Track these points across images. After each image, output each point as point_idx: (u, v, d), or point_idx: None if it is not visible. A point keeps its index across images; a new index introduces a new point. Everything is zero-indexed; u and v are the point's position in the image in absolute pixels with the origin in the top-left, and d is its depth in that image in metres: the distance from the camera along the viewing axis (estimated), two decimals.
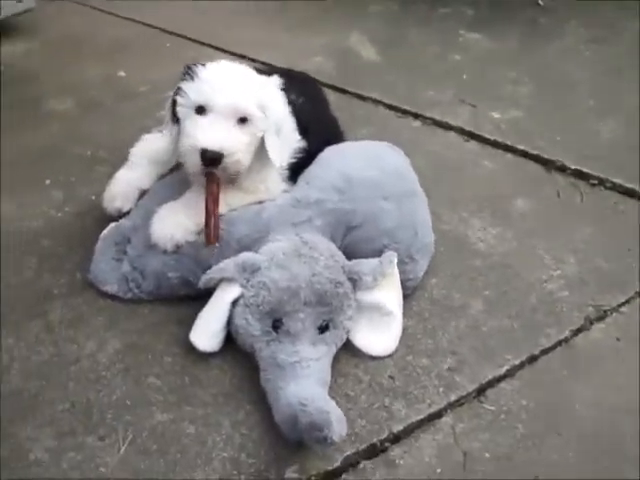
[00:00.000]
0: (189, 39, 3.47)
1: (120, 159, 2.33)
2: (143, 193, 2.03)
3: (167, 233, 1.82)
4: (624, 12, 3.91)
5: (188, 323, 1.78)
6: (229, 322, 1.73)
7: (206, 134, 1.73)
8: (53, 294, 1.89)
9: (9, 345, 1.73)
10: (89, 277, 1.91)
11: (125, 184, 2.03)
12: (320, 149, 2.07)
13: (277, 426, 1.54)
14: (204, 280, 1.76)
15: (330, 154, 2.07)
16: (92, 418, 1.59)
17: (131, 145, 2.34)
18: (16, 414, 1.58)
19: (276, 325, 1.66)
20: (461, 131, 2.82)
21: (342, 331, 1.73)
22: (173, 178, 2.03)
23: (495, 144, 2.75)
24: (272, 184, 1.94)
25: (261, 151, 1.85)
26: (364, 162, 2.04)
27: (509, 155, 2.71)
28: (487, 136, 2.78)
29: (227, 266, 1.72)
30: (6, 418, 1.56)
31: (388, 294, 1.81)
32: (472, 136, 2.80)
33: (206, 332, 1.73)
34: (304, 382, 1.56)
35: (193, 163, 1.76)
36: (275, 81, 1.89)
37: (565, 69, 3.33)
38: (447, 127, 2.83)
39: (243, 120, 1.77)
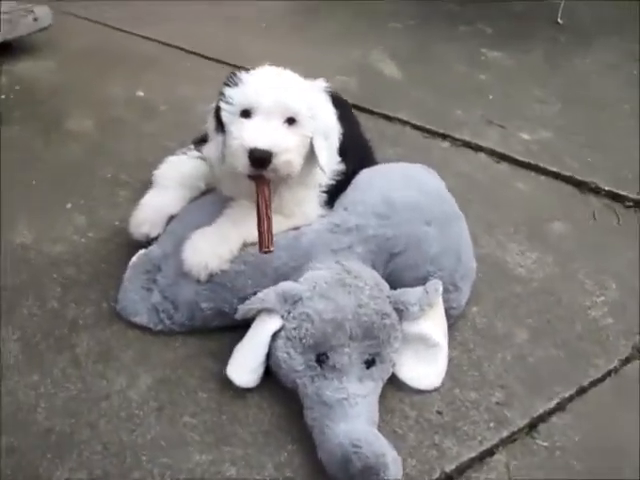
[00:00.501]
0: (209, 58, 3.40)
1: (142, 182, 2.27)
2: (171, 218, 1.93)
3: (200, 261, 1.72)
4: None
5: (223, 356, 1.69)
6: (268, 356, 1.63)
7: (254, 134, 1.66)
8: (79, 325, 1.79)
9: (34, 382, 1.63)
10: (117, 307, 1.81)
11: (153, 209, 1.93)
12: (356, 172, 1.98)
13: (324, 467, 1.45)
14: (242, 311, 1.66)
15: (367, 177, 1.99)
16: (126, 460, 1.48)
17: (153, 167, 2.25)
18: (46, 456, 1.47)
19: (321, 359, 1.57)
20: (491, 152, 2.77)
21: (389, 365, 1.64)
22: (204, 202, 1.94)
23: (527, 166, 2.71)
24: (309, 208, 1.85)
25: (307, 167, 1.79)
26: (403, 185, 1.97)
27: (542, 177, 2.67)
28: (518, 157, 2.74)
29: (267, 296, 1.62)
30: (35, 460, 1.46)
31: (434, 324, 1.72)
32: (503, 157, 2.75)
33: (244, 366, 1.63)
34: (354, 421, 1.47)
35: (242, 165, 1.67)
36: (322, 84, 1.83)
37: (592, 88, 3.28)
38: (477, 148, 2.77)
39: (291, 120, 1.70)
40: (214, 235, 1.76)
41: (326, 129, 1.77)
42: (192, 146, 2.19)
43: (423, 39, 3.69)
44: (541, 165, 2.68)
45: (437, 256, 1.83)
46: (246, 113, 1.70)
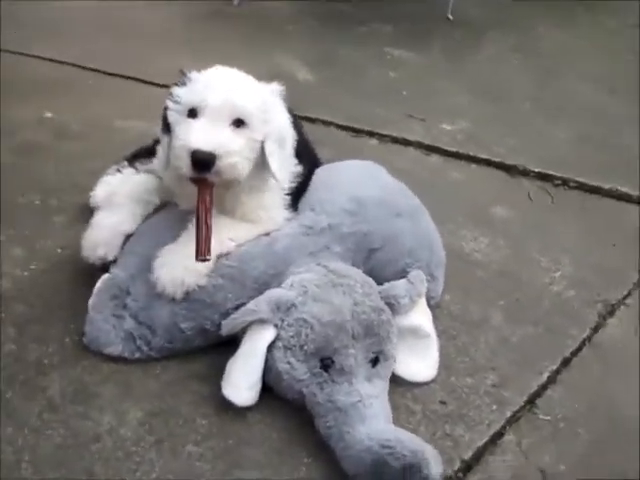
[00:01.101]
0: (109, 74, 3.22)
1: (77, 205, 2.12)
2: (127, 238, 1.79)
3: (175, 278, 1.61)
4: (535, 20, 4.08)
5: (210, 378, 1.60)
6: (264, 370, 1.53)
7: (197, 135, 1.56)
8: (45, 366, 1.62)
9: (9, 435, 1.44)
10: (85, 340, 1.65)
11: (107, 229, 1.78)
12: (311, 173, 1.93)
13: (350, 477, 1.38)
14: (228, 326, 1.57)
15: (325, 177, 1.95)
16: None
17: (84, 190, 2.10)
18: None
19: (326, 364, 1.50)
20: (419, 145, 2.81)
21: (391, 361, 1.60)
22: (161, 217, 1.81)
23: (457, 155, 2.79)
24: (275, 212, 1.78)
25: (261, 172, 1.71)
26: (363, 182, 1.96)
27: (473, 165, 2.75)
28: (447, 148, 2.78)
29: (259, 306, 1.53)
30: None
31: (422, 316, 1.71)
32: (432, 149, 2.80)
33: (241, 384, 1.53)
34: (374, 422, 1.42)
35: (185, 167, 1.58)
36: (276, 88, 1.75)
37: (496, 78, 3.42)
38: (405, 143, 2.82)
39: (239, 122, 1.62)
40: (184, 250, 1.64)
41: (279, 134, 1.70)
42: (125, 163, 2.05)
43: (326, 41, 3.71)
44: (471, 154, 2.76)
45: (413, 248, 1.83)
46: (193, 113, 1.61)
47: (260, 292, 1.62)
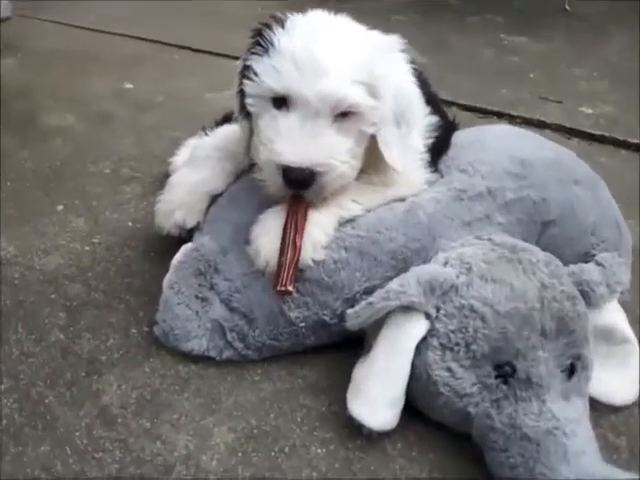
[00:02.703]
0: (196, 50, 2.92)
1: (153, 176, 1.71)
2: (213, 200, 1.34)
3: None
4: None
5: (328, 389, 1.16)
6: (410, 379, 1.05)
7: (289, 144, 1.11)
8: (101, 363, 1.19)
9: (46, 456, 1.01)
10: (156, 331, 1.21)
11: (188, 189, 1.35)
12: (448, 129, 1.44)
13: None
14: (357, 315, 1.10)
15: (471, 137, 1.47)
16: None
17: (162, 160, 1.69)
18: None
19: (504, 373, 1.03)
20: (559, 128, 2.30)
21: (590, 371, 1.10)
22: None
23: (603, 139, 2.26)
24: (413, 173, 1.29)
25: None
26: (526, 142, 1.47)
27: (622, 150, 2.20)
28: (592, 132, 2.26)
29: (406, 287, 1.05)
30: None
31: (617, 314, 1.21)
32: (573, 133, 2.29)
33: (378, 400, 1.07)
34: (583, 460, 0.96)
35: (274, 184, 1.15)
36: (396, 42, 1.23)
37: (629, 65, 2.92)
38: (541, 125, 2.32)
39: (345, 114, 1.13)
40: None
41: (399, 111, 1.20)
42: (214, 127, 1.61)
43: (435, 30, 3.27)
44: (620, 138, 2.23)
45: (597, 225, 1.35)
46: (280, 102, 1.14)
47: (398, 271, 1.17)
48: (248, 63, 1.17)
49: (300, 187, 1.13)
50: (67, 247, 1.47)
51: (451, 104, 2.42)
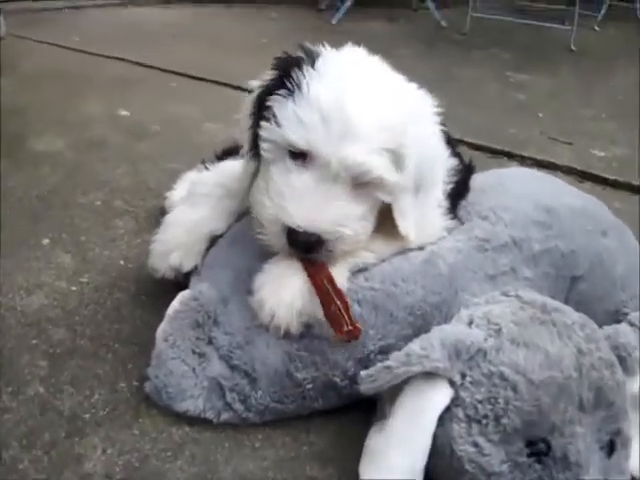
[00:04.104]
0: (194, 77, 2.84)
1: (147, 210, 1.60)
2: (213, 242, 1.24)
3: (289, 303, 1.04)
4: None
5: (337, 459, 1.04)
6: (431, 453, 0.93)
7: (301, 206, 1.01)
8: (84, 422, 1.06)
9: None
10: (147, 388, 1.09)
11: (185, 229, 1.24)
12: (467, 173, 1.35)
13: None
14: (373, 379, 0.99)
15: (491, 181, 1.38)
16: None
17: (158, 192, 1.60)
18: None
19: (536, 451, 0.92)
20: (570, 171, 2.22)
21: (629, 448, 0.99)
22: None
23: (616, 184, 2.17)
24: (432, 221, 1.19)
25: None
26: (550, 187, 1.38)
27: (637, 196, 2.11)
28: (605, 176, 2.18)
29: (430, 350, 0.94)
30: None
31: None
32: (585, 176, 2.21)
33: (394, 474, 0.92)
34: None
35: (276, 242, 1.05)
36: (430, 104, 1.13)
37: (637, 105, 2.85)
38: (552, 167, 2.23)
39: (364, 184, 1.04)
40: (299, 265, 1.07)
41: (424, 178, 1.10)
42: (214, 161, 1.51)
43: (440, 63, 3.20)
44: (634, 183, 2.15)
45: (626, 280, 1.25)
46: (299, 155, 1.04)
47: (416, 329, 1.08)
48: (269, 103, 1.05)
49: (305, 251, 1.03)
50: (52, 286, 1.36)
51: (459, 142, 2.34)
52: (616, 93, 3.10)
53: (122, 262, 1.45)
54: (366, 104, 1.02)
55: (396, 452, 0.95)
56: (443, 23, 4.19)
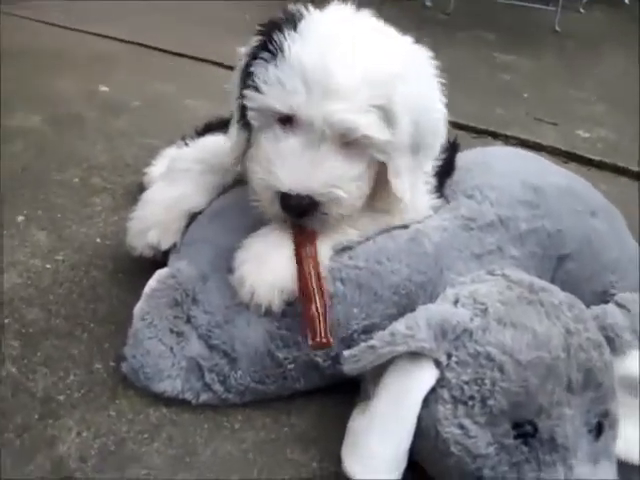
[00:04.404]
0: (176, 54, 2.77)
1: (125, 187, 1.55)
2: (192, 219, 1.20)
3: (270, 281, 1.00)
4: None
5: (318, 441, 1.03)
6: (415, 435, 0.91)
7: (289, 170, 0.98)
8: (58, 404, 1.02)
9: None
10: (124, 368, 1.05)
11: (163, 206, 1.20)
12: (453, 150, 1.32)
13: None
14: (356, 359, 0.96)
15: (477, 159, 1.35)
16: None
17: (137, 169, 1.55)
18: None
19: (524, 432, 0.90)
20: (555, 151, 2.20)
21: (617, 430, 0.97)
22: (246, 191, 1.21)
23: (602, 165, 2.15)
24: (419, 199, 1.16)
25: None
26: (536, 166, 1.36)
27: (623, 178, 2.10)
28: (590, 156, 2.16)
29: (415, 330, 0.92)
30: None
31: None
32: (570, 157, 2.19)
33: (377, 458, 0.92)
34: None
35: (271, 210, 1.02)
36: (425, 56, 1.09)
37: (625, 88, 2.85)
38: (537, 147, 2.20)
39: (355, 141, 1.00)
40: (281, 240, 1.03)
41: (423, 138, 1.06)
42: (195, 137, 1.46)
43: (424, 43, 3.14)
44: (619, 164, 2.14)
45: (616, 261, 1.24)
46: (286, 120, 1.01)
47: (401, 308, 1.06)
48: (252, 69, 1.02)
49: (300, 215, 1.01)
50: (26, 264, 1.31)
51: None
52: (601, 75, 3.09)
53: (99, 240, 1.41)
54: (349, 61, 0.98)
55: (379, 434, 0.93)
56: (428, 3, 4.14)
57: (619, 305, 1.12)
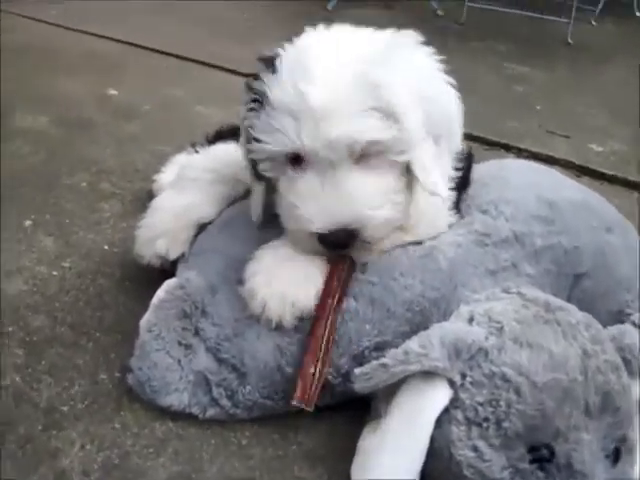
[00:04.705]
0: (187, 59, 2.75)
1: (134, 193, 1.55)
2: (202, 229, 1.19)
3: (282, 295, 0.98)
4: None
5: (327, 459, 1.00)
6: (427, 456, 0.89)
7: (314, 208, 0.96)
8: (62, 415, 1.01)
9: None
10: (129, 381, 1.03)
11: (172, 215, 1.19)
12: (469, 164, 1.29)
13: None
14: (368, 377, 0.94)
15: (492, 172, 1.33)
16: None
17: (146, 175, 1.54)
18: None
19: (539, 457, 0.87)
20: (568, 165, 2.18)
21: (636, 455, 0.94)
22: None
23: (615, 180, 2.13)
24: (437, 215, 1.14)
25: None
26: (552, 181, 1.33)
27: (636, 193, 2.08)
28: (603, 171, 2.14)
29: (428, 349, 0.90)
30: None
31: None
32: (583, 171, 2.16)
33: (389, 474, 0.90)
34: None
35: (313, 250, 1.01)
36: (408, 37, 1.06)
37: (635, 101, 2.81)
38: (550, 160, 2.18)
39: (366, 155, 0.97)
40: (293, 256, 1.02)
41: (437, 119, 1.02)
42: (205, 145, 1.45)
43: (435, 52, 3.13)
44: (631, 179, 2.11)
45: (630, 279, 1.20)
46: (296, 160, 0.99)
47: (414, 326, 1.03)
48: (247, 123, 1.01)
49: (342, 248, 0.99)
50: (32, 270, 1.30)
51: None
52: (613, 88, 3.06)
53: (106, 247, 1.39)
54: (327, 77, 0.95)
55: (391, 453, 0.90)
56: (439, 12, 4.13)
57: (635, 325, 1.10)
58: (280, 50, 1.02)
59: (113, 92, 2.26)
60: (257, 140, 0.99)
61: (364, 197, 0.97)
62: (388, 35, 1.05)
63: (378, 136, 0.96)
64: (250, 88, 1.03)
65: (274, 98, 0.97)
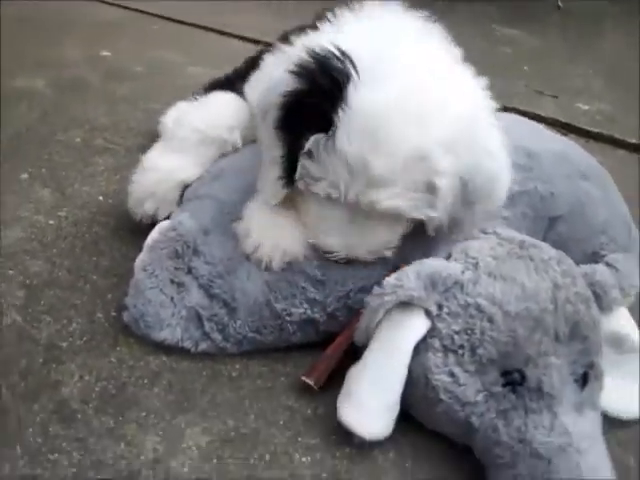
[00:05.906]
0: (180, 22, 2.78)
1: (126, 148, 1.59)
2: (185, 188, 1.25)
3: (274, 240, 1.03)
4: None
5: (314, 391, 1.02)
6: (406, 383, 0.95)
7: (337, 238, 1.03)
8: (60, 350, 1.05)
9: (2, 457, 0.87)
10: (125, 317, 1.08)
11: (160, 176, 1.24)
12: None
13: None
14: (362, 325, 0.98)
15: None
16: None
17: (138, 131, 1.57)
18: None
19: (512, 380, 0.93)
20: (555, 123, 2.22)
21: (601, 381, 1.00)
22: (248, 152, 1.24)
23: (599, 137, 2.18)
24: None
25: None
26: (530, 131, 1.37)
27: (620, 150, 2.12)
28: (588, 129, 2.18)
29: (404, 280, 0.94)
30: None
31: (628, 320, 1.11)
32: (570, 129, 2.20)
33: (371, 405, 0.95)
34: None
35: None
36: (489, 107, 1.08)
37: (626, 64, 2.84)
38: (537, 119, 2.21)
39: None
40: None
41: (474, 192, 1.01)
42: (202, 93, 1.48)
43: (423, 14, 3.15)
44: (617, 136, 2.15)
45: (607, 223, 1.26)
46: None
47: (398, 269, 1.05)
48: (307, 142, 0.96)
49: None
50: (30, 220, 1.34)
51: None
52: (601, 51, 3.09)
53: (101, 198, 1.43)
54: (389, 146, 0.92)
55: (370, 385, 0.95)
56: None
57: (609, 265, 1.15)
58: (351, 72, 0.93)
59: (105, 53, 2.28)
60: (312, 164, 0.98)
61: (382, 244, 1.04)
62: (469, 90, 1.07)
63: (420, 216, 1.00)
64: (312, 99, 0.94)
65: (339, 145, 0.93)
